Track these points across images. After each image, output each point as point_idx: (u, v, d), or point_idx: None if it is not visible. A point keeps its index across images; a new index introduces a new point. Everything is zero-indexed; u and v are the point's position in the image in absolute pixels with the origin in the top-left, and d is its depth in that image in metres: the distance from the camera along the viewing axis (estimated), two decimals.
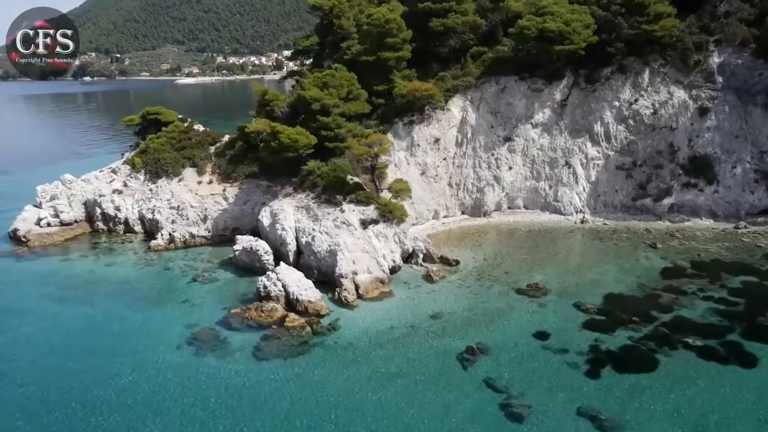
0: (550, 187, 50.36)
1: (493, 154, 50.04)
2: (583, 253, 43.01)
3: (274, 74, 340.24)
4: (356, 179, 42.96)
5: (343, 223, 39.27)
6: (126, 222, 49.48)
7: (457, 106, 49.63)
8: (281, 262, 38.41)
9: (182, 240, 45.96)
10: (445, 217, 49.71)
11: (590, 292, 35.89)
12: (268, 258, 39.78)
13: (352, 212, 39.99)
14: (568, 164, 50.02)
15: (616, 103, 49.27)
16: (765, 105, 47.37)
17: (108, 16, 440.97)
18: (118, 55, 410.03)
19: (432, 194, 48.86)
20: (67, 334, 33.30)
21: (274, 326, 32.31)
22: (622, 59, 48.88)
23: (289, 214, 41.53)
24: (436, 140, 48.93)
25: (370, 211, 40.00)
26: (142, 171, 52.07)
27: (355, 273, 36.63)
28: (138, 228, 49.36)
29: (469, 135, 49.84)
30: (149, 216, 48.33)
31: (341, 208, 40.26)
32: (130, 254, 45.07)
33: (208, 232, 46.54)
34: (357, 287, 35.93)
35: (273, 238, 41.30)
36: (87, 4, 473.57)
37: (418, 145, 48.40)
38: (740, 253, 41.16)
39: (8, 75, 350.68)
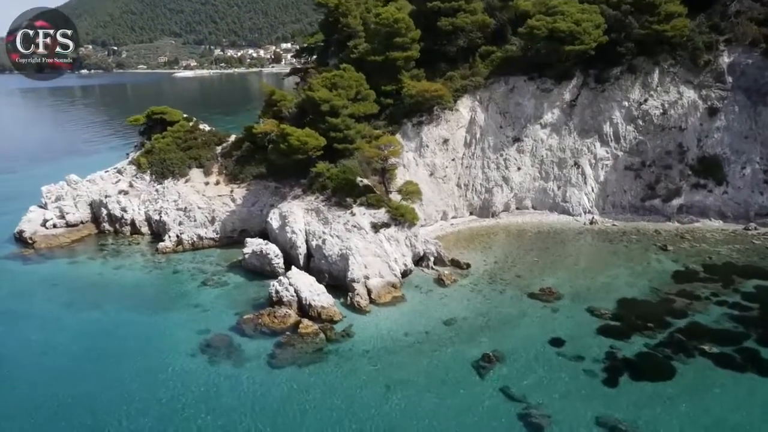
0: (559, 188, 50.17)
1: (501, 155, 49.80)
2: (594, 256, 42.86)
3: (273, 67, 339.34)
4: (366, 181, 42.69)
5: (354, 226, 39.03)
6: (132, 223, 49.15)
7: (465, 106, 49.31)
8: (292, 266, 38.19)
9: (190, 242, 45.68)
10: (453, 218, 49.52)
11: (603, 296, 35.77)
12: (279, 262, 39.59)
13: (363, 215, 39.75)
14: (576, 165, 49.81)
15: (626, 103, 48.99)
16: None
17: (104, 7, 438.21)
18: (115, 48, 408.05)
19: (440, 195, 48.62)
20: (76, 338, 33.09)
21: (287, 333, 32.11)
22: (632, 59, 48.52)
23: (299, 216, 41.27)
24: (445, 141, 48.64)
25: (381, 215, 39.76)
26: (148, 171, 51.71)
27: (367, 277, 36.47)
28: (145, 229, 49.06)
29: (477, 135, 49.55)
30: (156, 217, 48.01)
31: (352, 212, 40.01)
32: (138, 256, 44.80)
33: (216, 234, 46.27)
34: (369, 292, 35.75)
35: (282, 240, 41.07)
36: None
37: (427, 146, 48.11)
38: (751, 256, 41.06)
39: (4, 68, 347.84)
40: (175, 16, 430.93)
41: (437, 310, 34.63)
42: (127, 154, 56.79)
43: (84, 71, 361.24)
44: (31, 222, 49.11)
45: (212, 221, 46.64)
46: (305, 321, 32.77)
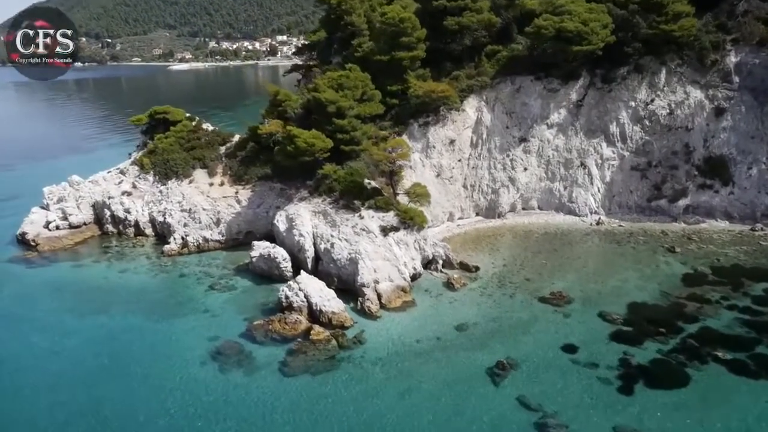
0: (565, 188, 50.02)
1: (508, 155, 49.55)
2: (602, 258, 42.75)
3: (269, 60, 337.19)
4: (374, 183, 42.38)
5: (363, 229, 38.76)
6: (136, 224, 48.68)
7: (472, 106, 48.96)
8: (300, 270, 37.94)
9: (195, 244, 45.27)
10: (459, 218, 49.31)
11: (614, 300, 35.69)
12: (287, 265, 39.29)
13: (372, 218, 39.48)
14: (583, 165, 49.63)
15: (632, 104, 48.76)
16: None
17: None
18: (109, 40, 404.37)
19: (447, 196, 48.37)
20: (82, 344, 32.84)
21: (298, 339, 31.90)
22: (639, 59, 48.24)
23: (306, 219, 40.95)
24: (451, 141, 48.32)
25: (390, 218, 39.50)
26: (151, 172, 51.12)
27: (377, 282, 36.25)
28: (149, 231, 48.60)
29: (484, 136, 49.26)
30: (160, 219, 47.56)
31: (360, 215, 39.74)
32: (143, 259, 44.37)
33: (222, 236, 45.90)
34: (380, 296, 35.55)
35: (290, 243, 40.76)
36: None
37: (434, 147, 47.80)
38: (759, 258, 41.06)
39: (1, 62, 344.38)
40: (169, 7, 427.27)
41: (448, 315, 34.49)
42: (129, 154, 56.15)
43: (78, 64, 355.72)
44: (33, 224, 48.56)
45: (217, 223, 46.26)
46: (316, 327, 32.54)
